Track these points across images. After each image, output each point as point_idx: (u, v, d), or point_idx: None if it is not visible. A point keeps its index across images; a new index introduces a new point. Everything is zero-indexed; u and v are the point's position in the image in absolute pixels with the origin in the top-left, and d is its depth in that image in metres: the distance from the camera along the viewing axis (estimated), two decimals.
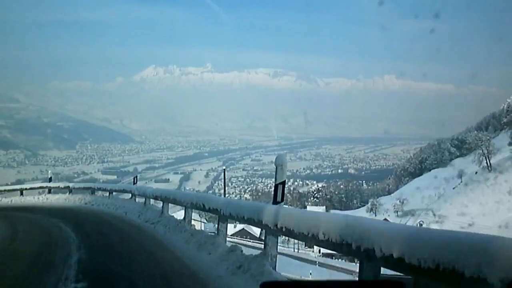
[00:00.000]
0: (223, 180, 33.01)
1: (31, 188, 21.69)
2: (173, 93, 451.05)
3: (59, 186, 20.36)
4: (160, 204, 12.20)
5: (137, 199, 14.55)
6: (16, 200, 20.96)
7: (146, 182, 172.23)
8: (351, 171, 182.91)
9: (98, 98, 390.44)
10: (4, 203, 20.72)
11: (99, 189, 17.76)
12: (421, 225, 79.83)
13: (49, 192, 20.71)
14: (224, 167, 34.10)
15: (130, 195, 14.83)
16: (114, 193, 16.72)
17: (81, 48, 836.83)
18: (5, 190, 22.27)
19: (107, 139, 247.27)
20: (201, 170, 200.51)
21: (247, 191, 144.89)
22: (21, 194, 21.51)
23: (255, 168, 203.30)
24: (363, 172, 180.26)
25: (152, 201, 12.90)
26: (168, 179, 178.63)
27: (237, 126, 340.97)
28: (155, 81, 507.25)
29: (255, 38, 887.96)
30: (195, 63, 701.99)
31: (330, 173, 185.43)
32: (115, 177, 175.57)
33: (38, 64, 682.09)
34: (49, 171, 23.14)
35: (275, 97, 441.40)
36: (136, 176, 16.56)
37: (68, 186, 19.52)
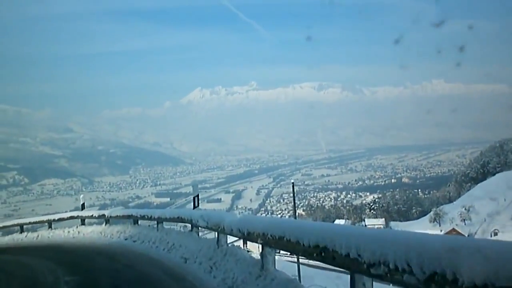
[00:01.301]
0: (292, 196, 27.03)
1: (60, 219, 16.90)
2: (220, 113, 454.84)
3: (92, 215, 15.35)
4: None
5: (200, 232, 9.06)
6: (43, 235, 16.22)
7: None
8: (405, 180, 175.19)
9: (148, 123, 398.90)
10: (28, 240, 16.04)
11: (143, 217, 12.39)
12: (496, 234, 70.68)
13: (82, 223, 15.77)
14: (292, 181, 28.19)
15: (190, 226, 9.35)
16: (164, 223, 11.31)
17: (129, 76, 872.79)
18: (30, 223, 17.70)
19: (158, 163, 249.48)
20: (252, 188, 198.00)
21: (299, 206, 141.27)
22: (50, 227, 16.79)
23: (306, 182, 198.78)
24: (417, 181, 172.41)
25: (227, 237, 7.29)
26: (220, 199, 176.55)
27: (285, 141, 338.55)
28: (202, 103, 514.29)
29: (298, 53, 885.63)
30: (240, 82, 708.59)
31: (383, 183, 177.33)
32: (168, 199, 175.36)
33: (90, 95, 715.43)
34: (81, 196, 18.19)
35: (322, 110, 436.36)
36: (197, 196, 11.00)
37: (104, 215, 14.42)
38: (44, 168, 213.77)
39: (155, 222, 11.42)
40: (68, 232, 15.27)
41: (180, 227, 11.99)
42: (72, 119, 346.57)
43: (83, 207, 16.86)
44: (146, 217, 11.99)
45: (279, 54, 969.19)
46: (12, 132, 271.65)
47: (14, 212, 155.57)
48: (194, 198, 11.01)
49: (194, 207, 10.73)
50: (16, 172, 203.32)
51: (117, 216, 14.12)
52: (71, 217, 16.33)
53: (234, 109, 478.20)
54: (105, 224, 14.30)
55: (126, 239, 11.85)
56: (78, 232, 14.79)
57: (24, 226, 17.54)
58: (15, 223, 18.11)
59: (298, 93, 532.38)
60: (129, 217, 13.17)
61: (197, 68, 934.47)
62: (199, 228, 8.99)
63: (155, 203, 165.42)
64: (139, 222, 13.02)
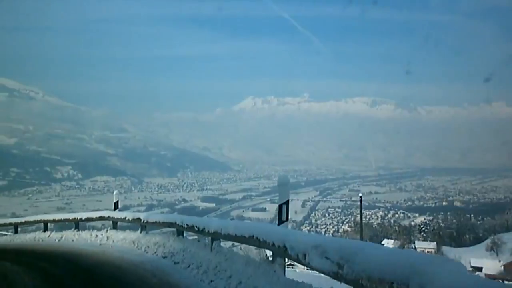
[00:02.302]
0: (359, 210, 23.27)
1: (88, 219, 13.79)
2: (271, 123, 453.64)
3: (126, 218, 11.97)
4: None
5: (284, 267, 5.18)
6: (67, 237, 13.21)
7: (243, 211, 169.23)
8: (457, 203, 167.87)
9: (199, 128, 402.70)
10: (49, 242, 13.18)
11: (191, 228, 8.70)
12: None
13: (114, 226, 12.46)
14: (360, 195, 23.92)
15: (271, 253, 5.44)
16: (219, 240, 7.49)
17: (184, 81, 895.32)
18: (54, 220, 14.69)
19: (206, 168, 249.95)
20: (298, 200, 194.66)
21: (345, 222, 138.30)
22: (76, 227, 13.68)
23: (353, 198, 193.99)
24: (470, 205, 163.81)
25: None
26: (265, 208, 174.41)
27: (334, 155, 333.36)
28: (254, 111, 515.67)
29: (352, 67, 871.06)
30: (293, 93, 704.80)
31: (433, 205, 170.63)
32: (213, 204, 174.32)
33: (144, 97, 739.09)
34: (115, 192, 14.74)
35: (373, 126, 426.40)
36: (287, 204, 6.51)
37: (139, 219, 10.99)
38: (97, 165, 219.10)
39: (209, 238, 7.74)
40: (96, 236, 12.12)
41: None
42: (126, 119, 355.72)
43: (116, 206, 13.56)
44: (196, 228, 8.28)
45: (333, 68, 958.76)
46: (70, 128, 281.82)
47: (66, 205, 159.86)
48: (280, 206, 6.57)
49: (281, 221, 6.52)
50: (71, 167, 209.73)
51: (156, 222, 10.64)
52: (101, 218, 13.20)
53: (285, 119, 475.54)
54: (141, 231, 10.95)
55: (164, 257, 8.35)
56: (107, 238, 11.58)
57: (49, 224, 14.53)
58: (38, 219, 15.26)
59: (350, 107, 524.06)
60: (171, 225, 9.63)
61: (250, 77, 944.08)
62: (280, 256, 5.09)
63: (200, 208, 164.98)
64: (185, 233, 9.42)
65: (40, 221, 14.95)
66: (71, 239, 12.74)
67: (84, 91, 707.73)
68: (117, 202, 13.79)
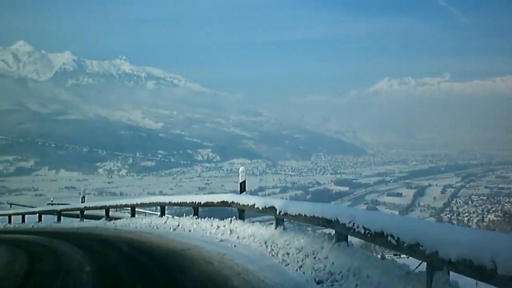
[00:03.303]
0: None
1: (207, 204, 10.72)
2: (408, 105, 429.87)
3: (254, 206, 8.48)
4: None
5: None
6: (185, 225, 10.59)
7: (378, 195, 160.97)
8: None
9: (333, 111, 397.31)
10: (162, 231, 10.72)
11: (373, 236, 4.33)
12: None
13: (241, 215, 9.15)
14: None
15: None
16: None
17: (318, 65, 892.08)
18: (170, 203, 11.97)
19: (339, 151, 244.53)
20: (436, 185, 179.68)
21: (490, 211, 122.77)
22: (195, 214, 10.77)
23: (500, 186, 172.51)
24: None
25: None
26: (401, 193, 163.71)
27: (478, 139, 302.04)
28: (389, 93, 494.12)
29: (502, 42, 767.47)
30: (432, 73, 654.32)
31: None
32: (347, 188, 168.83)
33: (279, 81, 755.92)
34: (241, 169, 10.95)
35: None
36: None
37: (274, 209, 7.38)
38: (234, 148, 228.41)
39: (421, 260, 3.46)
40: (217, 228, 9.12)
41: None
42: (261, 103, 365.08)
43: (242, 188, 10.19)
44: (390, 239, 3.59)
45: (478, 43, 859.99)
46: (209, 112, 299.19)
47: (206, 185, 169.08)
48: None
49: None
50: (210, 150, 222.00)
51: (301, 215, 6.68)
52: (223, 203, 10.03)
53: (423, 101, 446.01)
54: (276, 226, 7.39)
55: (319, 283, 4.54)
56: (230, 232, 8.44)
57: (166, 208, 11.97)
58: (154, 201, 12.87)
59: (499, 86, 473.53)
60: (328, 223, 5.51)
61: (386, 57, 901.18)
62: None
63: (333, 191, 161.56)
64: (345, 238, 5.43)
65: (156, 204, 12.66)
66: (188, 228, 9.96)
67: (221, 77, 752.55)
68: (244, 182, 10.43)
